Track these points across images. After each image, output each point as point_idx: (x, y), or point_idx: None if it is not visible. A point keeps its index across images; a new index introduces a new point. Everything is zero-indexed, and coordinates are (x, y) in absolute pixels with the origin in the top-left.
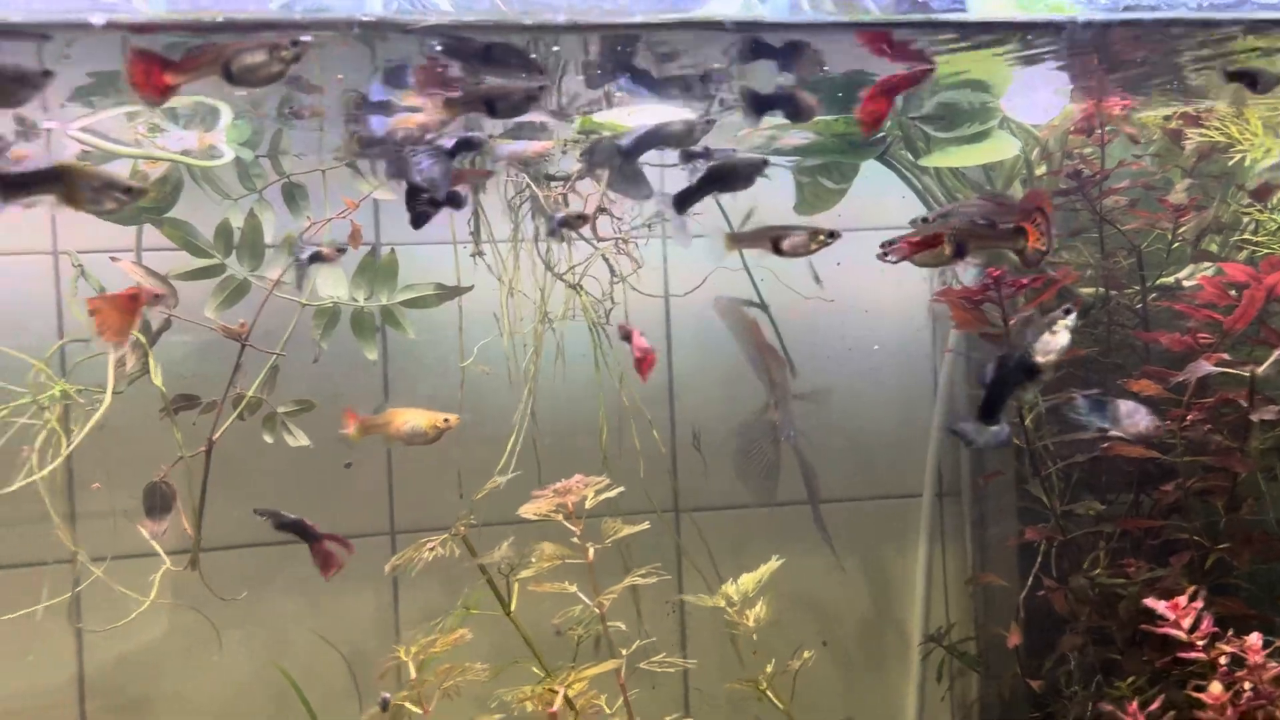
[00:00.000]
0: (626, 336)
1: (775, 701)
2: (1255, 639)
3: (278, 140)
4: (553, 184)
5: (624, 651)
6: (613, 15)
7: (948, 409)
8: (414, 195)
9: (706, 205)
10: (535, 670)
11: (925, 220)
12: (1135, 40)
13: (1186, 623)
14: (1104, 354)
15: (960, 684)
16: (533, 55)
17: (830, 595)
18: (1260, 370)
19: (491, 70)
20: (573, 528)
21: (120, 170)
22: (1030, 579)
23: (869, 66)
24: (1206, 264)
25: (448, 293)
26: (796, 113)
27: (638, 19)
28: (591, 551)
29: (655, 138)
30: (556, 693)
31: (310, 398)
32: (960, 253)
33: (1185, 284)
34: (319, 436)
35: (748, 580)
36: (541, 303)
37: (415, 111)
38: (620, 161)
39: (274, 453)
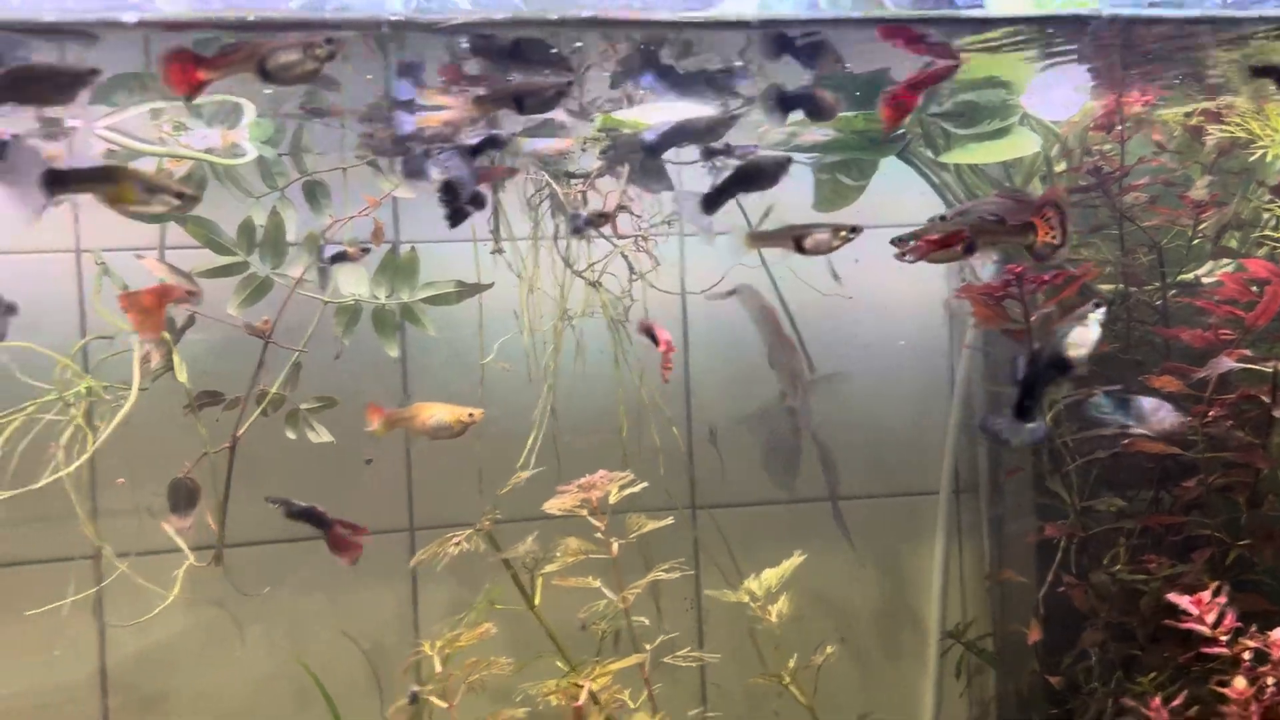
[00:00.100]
0: (647, 332)
1: (798, 696)
2: (1279, 634)
3: (299, 138)
4: (572, 181)
5: (647, 646)
6: (638, 12)
7: (965, 406)
8: (451, 195)
9: (726, 204)
10: (559, 665)
11: (942, 219)
12: (1158, 36)
13: (1210, 618)
14: (1123, 351)
15: (977, 681)
16: (553, 50)
17: (847, 592)
18: None
19: (518, 67)
20: (597, 523)
21: (146, 167)
22: (1051, 575)
23: (888, 64)
24: (1226, 260)
25: (468, 290)
26: (818, 111)
27: (663, 16)
28: (616, 546)
29: (680, 133)
30: (581, 687)
31: (329, 394)
32: (970, 249)
33: (1205, 280)
34: (338, 433)
35: (770, 575)
36: (561, 300)
37: (439, 110)
38: (644, 156)
39: (292, 449)
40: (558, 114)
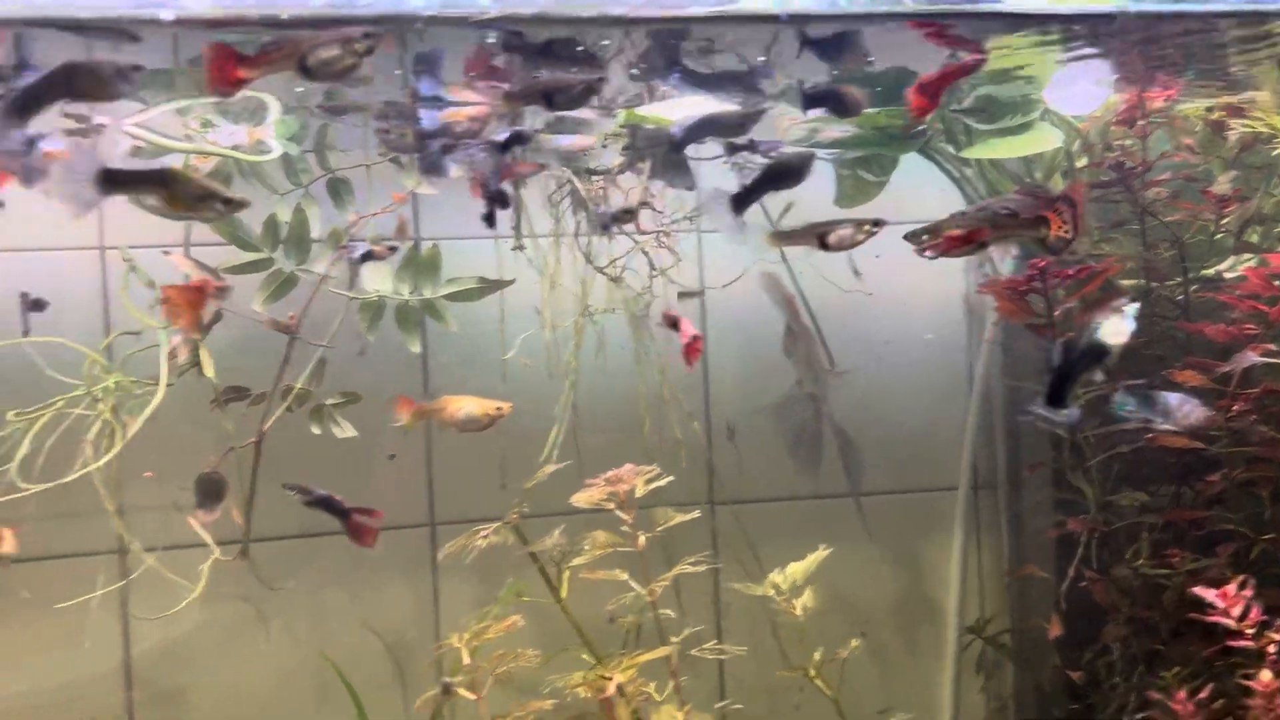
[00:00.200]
0: (672, 323)
1: (824, 689)
2: None
3: (323, 135)
4: (593, 178)
5: (674, 639)
6: (667, 8)
7: (983, 402)
8: (490, 193)
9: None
10: (585, 658)
11: (963, 215)
12: (1181, 30)
13: (1236, 611)
14: (1145, 346)
15: (995, 676)
16: (580, 48)
17: (865, 588)
18: None
19: (547, 64)
20: (625, 516)
21: (174, 163)
22: (1072, 571)
23: (911, 60)
24: (1249, 255)
25: (490, 286)
26: (844, 108)
27: (694, 12)
28: (643, 539)
29: (707, 127)
30: (609, 680)
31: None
32: (984, 244)
33: (1227, 275)
34: (358, 428)
35: (796, 569)
36: (583, 295)
37: (464, 106)
38: (669, 150)
39: (310, 445)
40: (581, 110)
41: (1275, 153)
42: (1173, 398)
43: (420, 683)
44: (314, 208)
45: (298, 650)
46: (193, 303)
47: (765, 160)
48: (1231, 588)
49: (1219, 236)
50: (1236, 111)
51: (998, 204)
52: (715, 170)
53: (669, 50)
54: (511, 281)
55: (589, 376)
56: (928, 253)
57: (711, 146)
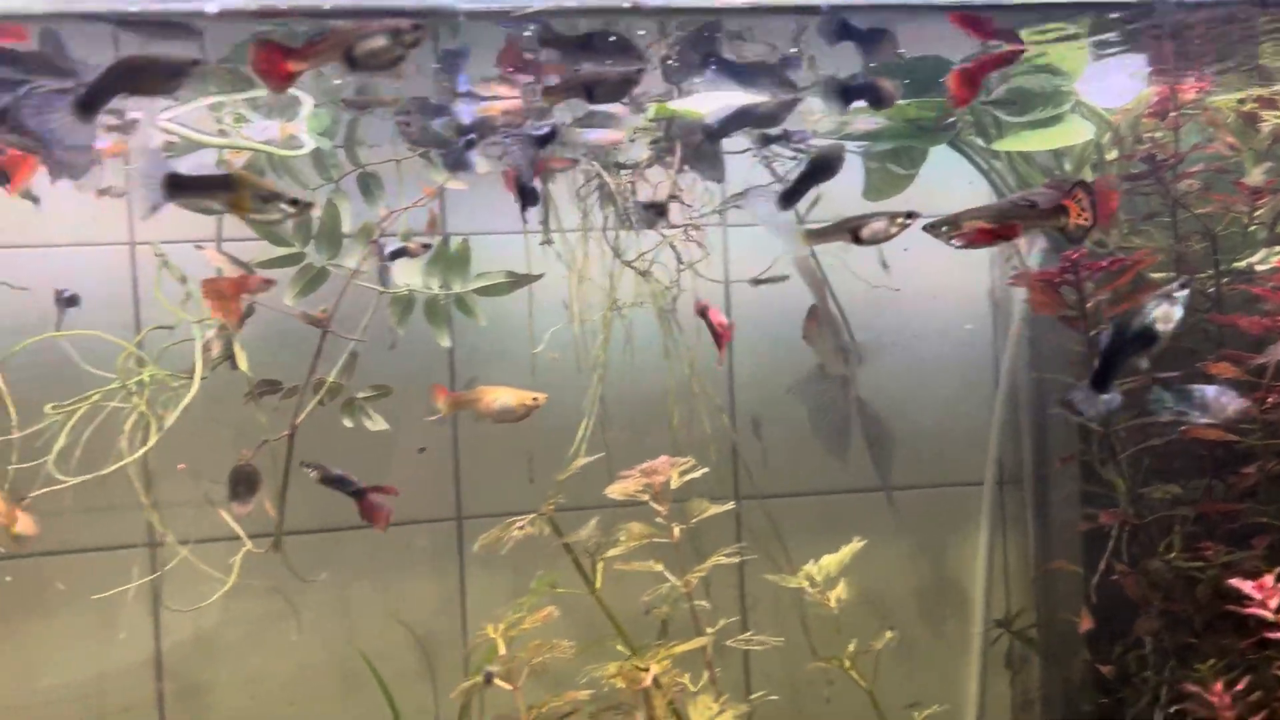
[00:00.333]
0: (703, 313)
1: (859, 680)
2: None
3: (353, 130)
4: (621, 172)
5: (708, 630)
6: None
7: (1010, 396)
8: (522, 188)
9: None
10: (620, 649)
11: (983, 206)
12: (1217, 19)
13: (1273, 603)
14: (1177, 338)
15: (1022, 671)
16: (612, 38)
17: (892, 582)
18: None
19: (586, 56)
20: (659, 508)
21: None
22: (1103, 564)
23: (943, 50)
24: None
25: (519, 280)
26: (878, 100)
27: (735, 2)
28: (677, 531)
29: (742, 118)
30: (645, 670)
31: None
32: (1009, 235)
33: (1259, 268)
34: (387, 422)
35: (830, 561)
36: (611, 289)
37: (498, 100)
38: (704, 141)
39: (341, 438)
40: (614, 104)
41: None
42: (1210, 390)
43: (448, 675)
44: (345, 203)
45: (326, 643)
46: (236, 296)
47: (793, 153)
48: (1269, 579)
49: (1252, 229)
50: (1269, 103)
51: (1017, 195)
52: (743, 163)
53: (706, 42)
54: (540, 276)
55: (616, 370)
56: (955, 242)
57: (739, 140)
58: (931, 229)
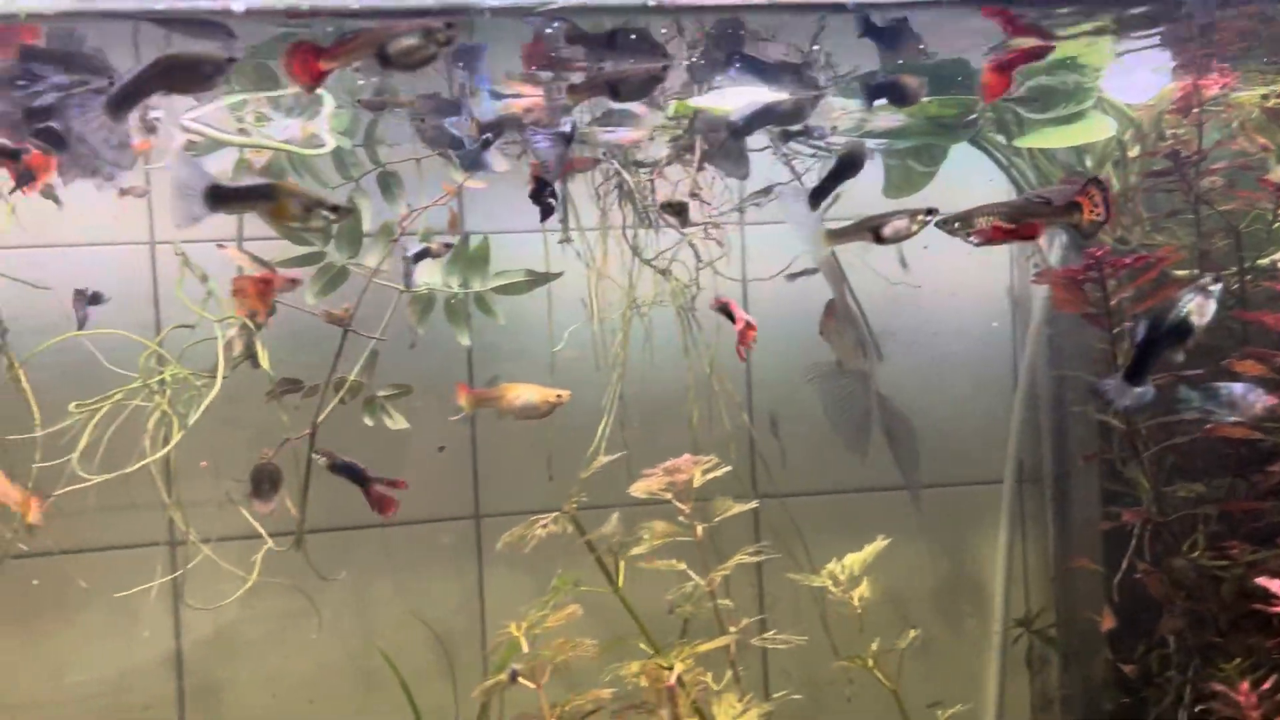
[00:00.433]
0: (724, 309)
1: (883, 680)
2: None
3: (373, 129)
4: (640, 170)
5: (731, 628)
6: None
7: (1029, 395)
8: (541, 188)
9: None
10: (643, 647)
11: (996, 203)
12: (1245, 14)
13: None
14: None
15: (1042, 670)
16: (633, 37)
17: (909, 580)
18: None
19: (611, 54)
20: (682, 506)
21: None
22: (1125, 563)
23: (965, 49)
24: None
25: (538, 279)
26: (904, 98)
27: None
28: (700, 530)
29: (766, 114)
30: (669, 669)
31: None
32: (1027, 232)
33: None
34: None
35: (854, 560)
36: (630, 288)
37: (518, 98)
38: (728, 137)
39: (359, 438)
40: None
41: None
42: (1237, 387)
43: (466, 673)
44: (365, 202)
45: (345, 641)
46: (264, 294)
47: (811, 150)
48: None
49: (1276, 225)
50: None
51: (1031, 192)
52: (760, 160)
53: (731, 39)
54: (560, 274)
55: (635, 369)
56: (973, 239)
57: (758, 137)
58: (944, 225)
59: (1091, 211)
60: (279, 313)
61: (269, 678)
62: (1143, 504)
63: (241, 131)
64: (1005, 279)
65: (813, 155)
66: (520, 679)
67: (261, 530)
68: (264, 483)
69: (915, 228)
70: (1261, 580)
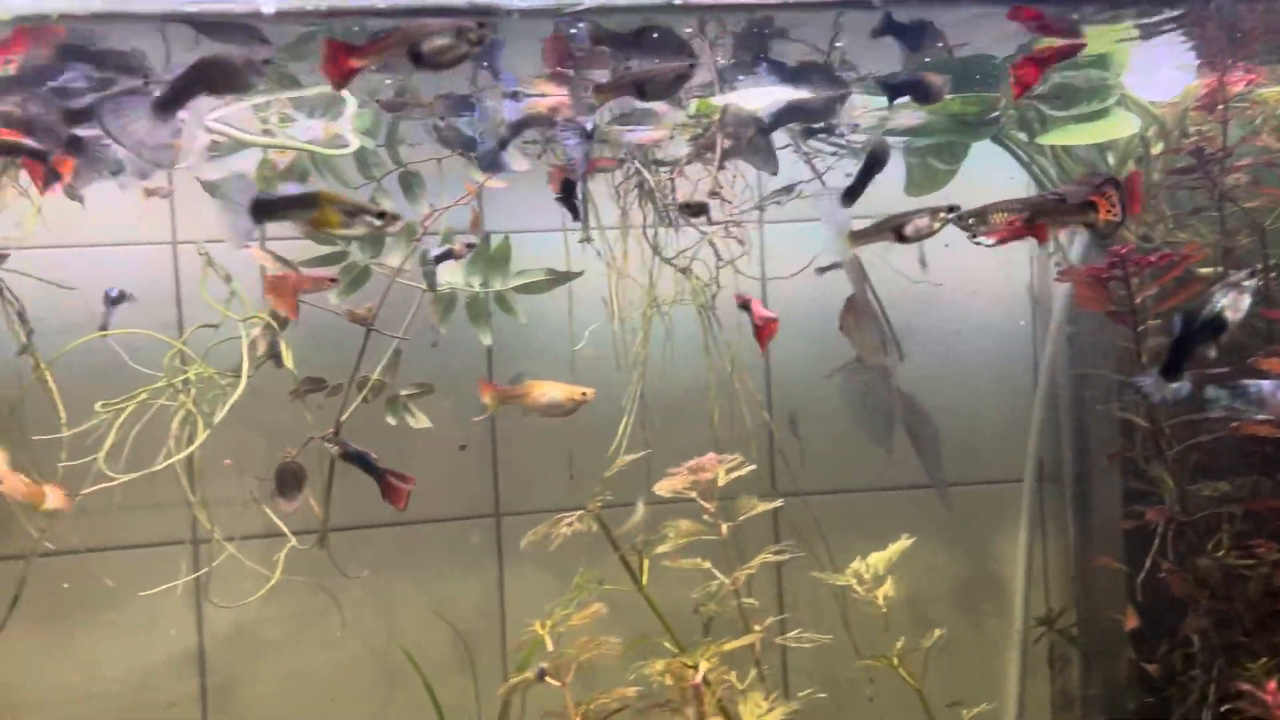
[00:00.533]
0: (744, 305)
1: (907, 679)
2: None
3: (395, 129)
4: (661, 169)
5: (756, 627)
6: None
7: (1050, 393)
8: (568, 189)
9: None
10: (667, 645)
11: (1011, 200)
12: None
13: None
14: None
15: (1063, 670)
16: (654, 35)
17: (930, 579)
18: None
19: (636, 53)
20: (707, 505)
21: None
22: (1148, 562)
23: (986, 45)
24: None
25: (559, 278)
26: (927, 96)
27: None
28: (725, 528)
29: (796, 111)
30: (694, 668)
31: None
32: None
33: None
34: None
35: (878, 558)
36: (650, 287)
37: (541, 97)
38: (758, 134)
39: (380, 436)
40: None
41: None
42: (1266, 385)
43: (487, 671)
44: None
45: (366, 639)
46: (295, 292)
47: (832, 147)
48: None
49: None
50: None
51: (1047, 191)
52: (781, 157)
53: (757, 39)
54: (580, 273)
55: (655, 367)
56: (985, 239)
57: (779, 135)
58: (959, 221)
59: (1108, 211)
60: (301, 312)
61: (291, 675)
62: (1166, 502)
63: (266, 132)
64: (1026, 277)
65: (833, 153)
66: (547, 678)
67: (285, 528)
68: (288, 481)
69: (936, 225)
70: None
